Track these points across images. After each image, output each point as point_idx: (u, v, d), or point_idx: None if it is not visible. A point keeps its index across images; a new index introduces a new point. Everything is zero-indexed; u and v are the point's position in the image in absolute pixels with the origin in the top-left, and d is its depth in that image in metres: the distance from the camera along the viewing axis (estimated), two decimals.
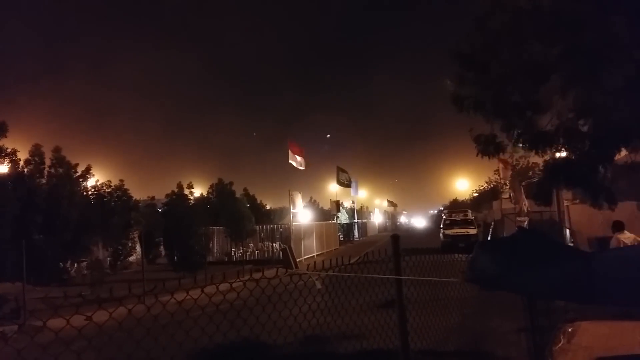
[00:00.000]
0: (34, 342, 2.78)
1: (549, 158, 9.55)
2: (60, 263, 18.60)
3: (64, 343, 2.85)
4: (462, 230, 31.45)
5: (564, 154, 9.28)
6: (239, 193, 28.70)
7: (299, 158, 31.98)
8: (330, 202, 50.29)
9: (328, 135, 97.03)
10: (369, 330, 4.84)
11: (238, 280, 3.29)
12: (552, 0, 7.34)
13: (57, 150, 19.41)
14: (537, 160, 13.43)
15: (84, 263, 19.86)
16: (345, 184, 45.58)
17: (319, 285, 4.35)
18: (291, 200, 29.22)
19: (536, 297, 5.07)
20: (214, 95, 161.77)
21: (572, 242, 21.62)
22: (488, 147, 9.66)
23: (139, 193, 25.15)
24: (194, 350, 3.62)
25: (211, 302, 3.21)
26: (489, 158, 10.29)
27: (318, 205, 53.90)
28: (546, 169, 9.46)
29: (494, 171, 45.03)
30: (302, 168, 32.17)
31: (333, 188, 51.11)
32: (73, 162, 20.00)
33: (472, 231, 31.53)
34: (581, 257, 4.41)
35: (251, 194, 34.75)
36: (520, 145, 9.43)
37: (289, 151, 31.61)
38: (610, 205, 8.78)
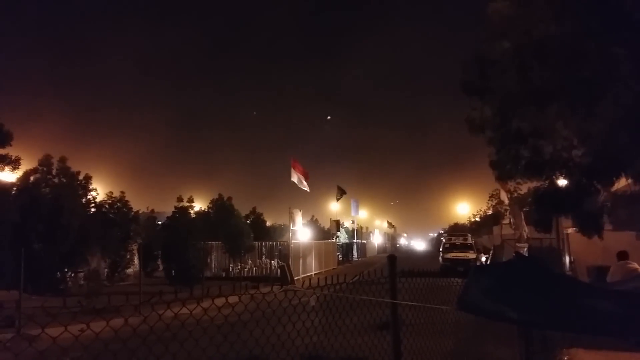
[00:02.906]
0: (29, 350, 2.81)
1: (537, 186, 9.68)
2: (58, 273, 18.55)
3: (58, 351, 2.88)
4: (462, 254, 31.37)
5: (561, 182, 9.39)
6: (245, 211, 28.75)
7: (303, 180, 31.99)
8: (330, 221, 50.22)
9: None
10: (362, 351, 4.84)
11: (234, 294, 3.33)
12: (552, 31, 7.49)
13: (62, 160, 19.51)
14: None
15: (81, 273, 19.81)
16: (339, 198, 44.97)
17: (312, 302, 4.37)
18: (291, 218, 29.19)
19: (528, 327, 5.07)
20: (221, 112, 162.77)
21: (571, 270, 21.54)
22: (503, 173, 9.82)
23: (141, 205, 25.18)
24: None
25: (207, 315, 3.24)
26: (507, 183, 10.51)
27: (318, 224, 53.77)
28: (534, 196, 9.56)
29: (489, 197, 45.02)
30: (306, 189, 32.15)
31: (333, 207, 51.10)
32: (81, 174, 20.13)
33: (472, 255, 31.45)
34: (577, 288, 4.43)
35: (258, 212, 34.84)
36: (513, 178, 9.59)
37: (292, 169, 31.68)
38: (597, 233, 8.82)
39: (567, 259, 22.40)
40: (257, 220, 33.96)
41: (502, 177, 10.25)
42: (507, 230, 31.02)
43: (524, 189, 29.43)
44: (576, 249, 21.48)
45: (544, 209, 9.90)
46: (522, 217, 24.28)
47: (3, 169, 17.62)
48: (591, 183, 8.65)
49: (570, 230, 22.06)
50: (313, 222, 50.53)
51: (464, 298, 3.99)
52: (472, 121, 9.62)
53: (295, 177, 31.13)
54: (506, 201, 30.93)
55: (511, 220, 27.60)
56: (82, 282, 19.45)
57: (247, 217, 31.24)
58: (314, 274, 30.29)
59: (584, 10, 7.34)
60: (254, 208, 34.24)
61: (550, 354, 8.08)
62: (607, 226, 11.28)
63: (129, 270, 22.40)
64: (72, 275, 19.60)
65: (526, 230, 24.14)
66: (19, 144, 18.16)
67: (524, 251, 22.36)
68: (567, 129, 8.41)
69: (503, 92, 8.57)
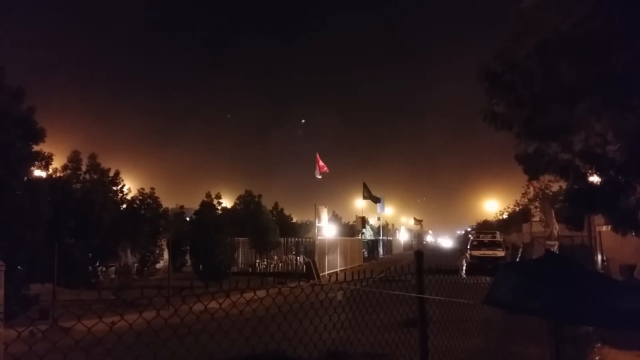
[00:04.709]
0: (63, 342, 2.90)
1: (570, 185, 9.44)
2: (90, 267, 19.02)
3: (93, 342, 2.97)
4: (490, 252, 30.83)
5: (594, 179, 9.15)
6: (269, 206, 29.00)
7: (323, 169, 32.23)
8: (355, 218, 50.10)
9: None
10: (389, 346, 4.83)
11: (262, 287, 3.37)
12: (583, 23, 7.30)
13: (92, 157, 19.98)
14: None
15: (112, 268, 20.27)
16: (372, 198, 45.32)
17: (339, 297, 4.39)
18: (317, 214, 29.24)
19: (556, 321, 4.98)
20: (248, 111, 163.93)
21: (604, 269, 21.02)
22: (530, 167, 9.65)
23: (169, 202, 25.62)
24: (216, 353, 3.70)
25: (235, 308, 3.29)
26: (533, 179, 10.32)
27: (339, 218, 53.63)
28: (567, 194, 9.33)
29: (522, 194, 44.13)
30: (319, 177, 32.55)
31: (359, 204, 50.96)
32: (112, 170, 20.61)
33: (500, 253, 30.87)
34: (607, 284, 4.34)
35: (280, 207, 35.16)
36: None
37: (317, 164, 31.77)
38: (633, 231, 8.57)
39: (600, 257, 21.86)
40: (282, 217, 34.19)
41: (530, 173, 10.04)
42: (537, 228, 30.40)
43: (555, 186, 28.87)
44: (609, 247, 20.93)
45: (576, 207, 9.66)
46: (553, 214, 23.77)
47: (38, 166, 18.08)
48: (626, 180, 8.41)
49: (603, 228, 21.51)
50: (335, 218, 50.47)
51: (492, 293, 3.96)
52: (494, 115, 9.44)
53: (318, 171, 31.35)
54: (534, 193, 30.33)
55: (541, 217, 27.05)
56: (113, 276, 19.90)
57: (270, 212, 31.49)
58: (340, 270, 30.32)
59: (617, 5, 7.14)
60: (276, 203, 34.54)
61: (581, 354, 7.92)
62: None
63: (158, 265, 22.84)
64: (104, 269, 20.07)
65: (557, 228, 23.61)
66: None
67: (555, 249, 21.90)
68: (601, 124, 8.20)
69: (531, 88, 8.40)
